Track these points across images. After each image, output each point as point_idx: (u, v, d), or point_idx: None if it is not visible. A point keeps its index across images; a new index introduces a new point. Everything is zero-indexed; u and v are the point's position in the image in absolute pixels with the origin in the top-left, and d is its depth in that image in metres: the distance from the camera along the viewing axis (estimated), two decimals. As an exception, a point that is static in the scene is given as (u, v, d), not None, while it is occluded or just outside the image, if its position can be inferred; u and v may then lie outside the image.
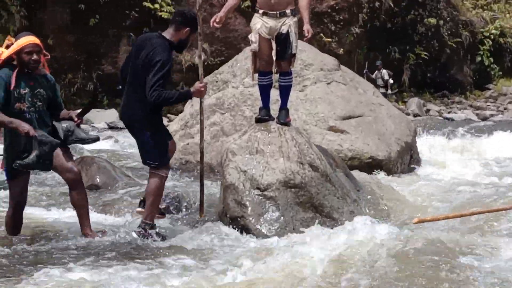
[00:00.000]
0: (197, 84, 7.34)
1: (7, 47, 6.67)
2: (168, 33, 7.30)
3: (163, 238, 6.95)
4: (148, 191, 7.20)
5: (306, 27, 8.04)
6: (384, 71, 18.95)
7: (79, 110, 6.86)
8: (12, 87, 6.54)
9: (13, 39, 6.76)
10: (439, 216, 7.51)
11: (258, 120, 8.23)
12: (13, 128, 6.62)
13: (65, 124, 6.43)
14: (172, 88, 6.71)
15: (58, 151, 6.76)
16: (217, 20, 8.26)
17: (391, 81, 21.39)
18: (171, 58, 7.19)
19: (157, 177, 7.15)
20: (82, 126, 7.09)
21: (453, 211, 8.57)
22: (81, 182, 6.99)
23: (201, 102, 7.46)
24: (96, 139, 7.23)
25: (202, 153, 7.46)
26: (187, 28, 7.35)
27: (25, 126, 6.43)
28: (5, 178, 6.64)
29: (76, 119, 6.77)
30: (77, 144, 8.34)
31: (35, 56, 6.61)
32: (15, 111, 6.62)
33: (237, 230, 7.32)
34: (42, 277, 5.57)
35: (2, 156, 6.92)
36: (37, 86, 6.66)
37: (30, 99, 6.66)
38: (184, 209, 8.01)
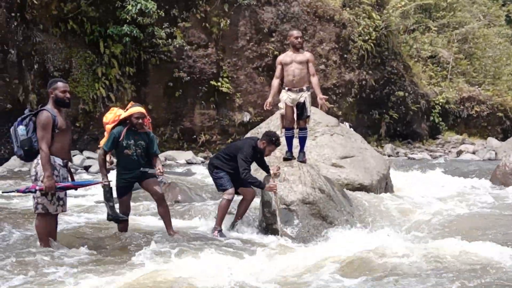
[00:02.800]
0: (271, 183, 7.31)
1: (127, 110, 6.94)
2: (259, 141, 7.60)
3: (223, 236, 7.05)
4: (218, 207, 7.34)
5: (320, 97, 8.04)
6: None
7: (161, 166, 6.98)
8: (121, 139, 6.64)
9: (131, 104, 7.08)
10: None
11: (285, 159, 8.32)
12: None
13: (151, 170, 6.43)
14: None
15: (149, 181, 6.95)
16: (267, 105, 8.40)
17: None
18: (252, 155, 7.44)
19: (224, 199, 7.32)
20: (168, 162, 7.15)
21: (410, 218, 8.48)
22: (164, 200, 7.13)
23: (275, 193, 7.27)
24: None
25: (277, 212, 7.30)
26: (266, 143, 7.45)
27: (104, 178, 6.68)
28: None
29: (159, 170, 6.81)
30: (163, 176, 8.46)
31: (140, 121, 6.88)
32: (124, 155, 6.83)
33: (270, 233, 7.31)
34: (139, 257, 5.77)
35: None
36: (139, 139, 6.88)
37: (133, 148, 6.79)
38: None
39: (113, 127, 6.87)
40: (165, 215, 7.04)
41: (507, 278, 5.01)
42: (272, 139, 7.46)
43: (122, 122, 6.90)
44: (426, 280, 5.02)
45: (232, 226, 7.69)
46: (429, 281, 5.01)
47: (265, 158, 7.69)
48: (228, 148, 7.88)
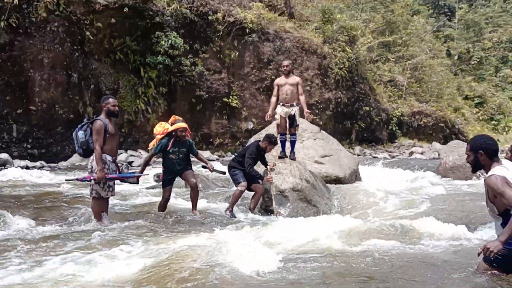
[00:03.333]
0: (268, 176, 7.35)
1: (171, 124, 7.02)
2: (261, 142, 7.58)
3: (234, 216, 6.96)
4: (233, 195, 7.32)
5: (306, 111, 8.17)
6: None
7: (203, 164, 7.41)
8: (168, 148, 6.85)
9: (175, 118, 7.18)
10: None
11: (280, 157, 8.32)
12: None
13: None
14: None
15: (187, 173, 7.07)
16: (268, 117, 8.55)
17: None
18: (256, 153, 7.42)
19: (238, 190, 7.28)
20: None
21: (374, 200, 8.49)
22: (196, 188, 7.11)
23: (271, 183, 7.31)
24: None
25: (273, 198, 7.30)
26: (267, 143, 7.50)
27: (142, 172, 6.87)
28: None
29: (210, 166, 7.27)
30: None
31: (183, 133, 7.01)
32: (169, 159, 6.95)
33: (269, 213, 7.26)
34: (169, 229, 5.93)
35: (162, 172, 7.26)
36: (182, 147, 6.99)
37: (176, 154, 6.95)
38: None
39: (162, 138, 6.93)
40: (194, 198, 7.02)
41: (445, 244, 5.13)
42: (271, 140, 7.47)
43: (169, 134, 6.97)
44: (386, 243, 5.13)
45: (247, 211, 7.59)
46: (389, 243, 5.13)
47: (266, 155, 7.69)
48: (240, 152, 7.81)
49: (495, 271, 3.86)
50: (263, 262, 4.18)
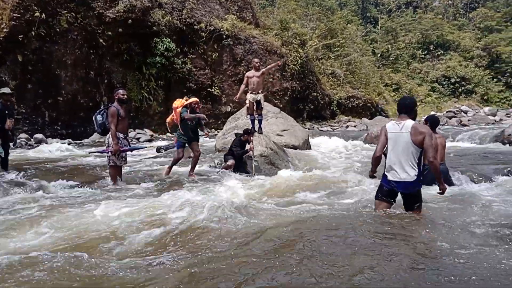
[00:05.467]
0: (251, 145, 7.29)
1: (186, 100, 6.93)
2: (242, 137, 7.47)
3: (226, 175, 6.85)
4: (225, 165, 7.32)
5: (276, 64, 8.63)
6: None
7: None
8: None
9: (186, 99, 7.04)
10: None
11: (249, 132, 7.87)
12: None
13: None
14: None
15: (194, 143, 6.98)
16: (235, 99, 8.44)
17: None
18: (240, 143, 7.36)
19: (227, 164, 7.30)
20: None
21: (320, 161, 8.58)
22: (199, 155, 7.02)
23: (252, 151, 7.27)
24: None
25: (253, 164, 7.24)
26: (246, 136, 7.44)
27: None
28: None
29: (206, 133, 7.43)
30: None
31: (196, 106, 6.96)
32: (186, 126, 6.87)
33: (249, 174, 7.14)
34: (170, 187, 5.85)
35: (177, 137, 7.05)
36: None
37: (191, 121, 6.89)
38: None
39: (181, 109, 6.83)
40: (195, 163, 6.96)
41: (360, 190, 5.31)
42: (248, 131, 7.48)
43: (185, 106, 6.87)
44: (332, 189, 5.34)
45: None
46: (334, 190, 5.35)
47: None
48: (231, 146, 7.61)
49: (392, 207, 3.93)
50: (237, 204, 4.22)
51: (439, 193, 3.78)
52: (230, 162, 7.22)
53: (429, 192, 4.44)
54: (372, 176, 4.10)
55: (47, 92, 14.00)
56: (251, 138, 7.49)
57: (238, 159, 7.32)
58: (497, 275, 2.52)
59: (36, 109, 13.78)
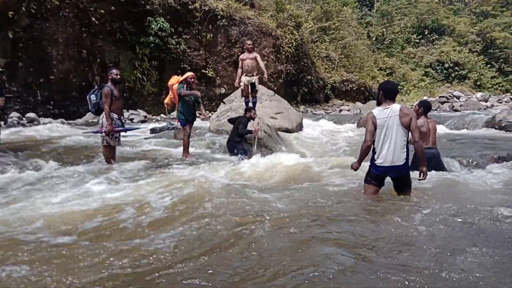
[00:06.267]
0: (256, 127, 7.15)
1: (183, 75, 6.86)
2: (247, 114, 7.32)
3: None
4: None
5: (265, 75, 7.88)
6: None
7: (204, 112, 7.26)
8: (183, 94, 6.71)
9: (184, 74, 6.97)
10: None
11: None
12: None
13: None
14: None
15: (192, 125, 7.03)
16: (236, 84, 8.43)
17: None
18: (245, 120, 7.16)
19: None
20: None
21: (313, 144, 8.62)
22: (189, 136, 6.92)
23: (256, 133, 7.23)
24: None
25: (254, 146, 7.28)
26: (249, 112, 7.24)
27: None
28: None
29: (203, 115, 7.29)
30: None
31: (193, 80, 6.89)
32: (186, 103, 6.79)
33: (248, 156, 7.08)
34: (162, 165, 5.95)
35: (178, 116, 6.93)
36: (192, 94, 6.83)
37: (189, 97, 6.79)
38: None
39: (177, 85, 6.74)
40: (185, 144, 6.86)
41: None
42: (249, 109, 7.34)
43: (181, 82, 6.76)
44: (323, 172, 5.36)
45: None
46: (326, 173, 5.34)
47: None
48: (234, 126, 7.39)
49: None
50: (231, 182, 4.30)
51: (421, 179, 3.81)
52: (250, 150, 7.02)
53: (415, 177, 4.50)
54: (356, 168, 4.03)
55: (39, 70, 13.73)
56: (255, 114, 7.35)
57: (240, 138, 7.18)
58: (475, 259, 2.56)
59: (28, 88, 13.55)
